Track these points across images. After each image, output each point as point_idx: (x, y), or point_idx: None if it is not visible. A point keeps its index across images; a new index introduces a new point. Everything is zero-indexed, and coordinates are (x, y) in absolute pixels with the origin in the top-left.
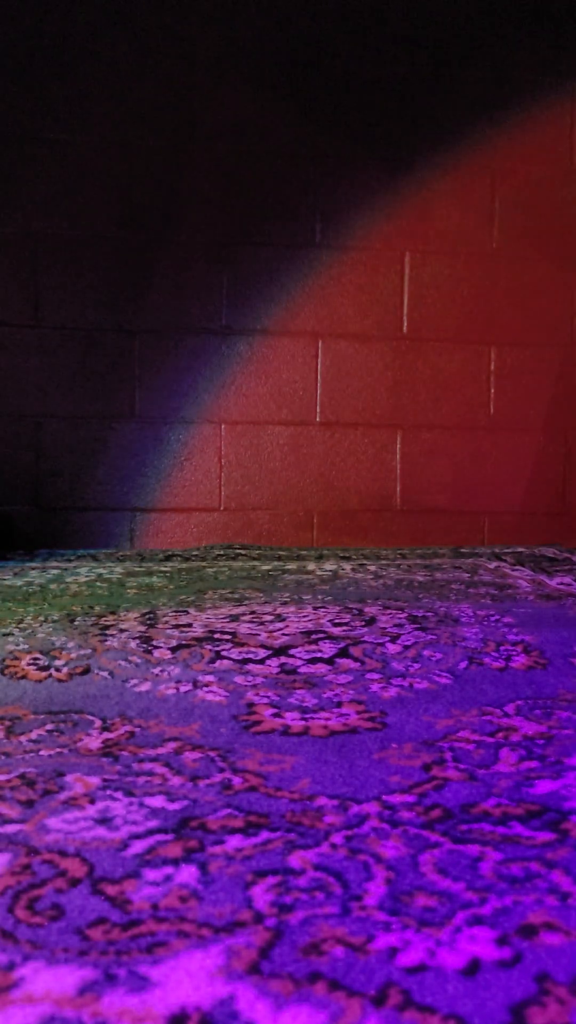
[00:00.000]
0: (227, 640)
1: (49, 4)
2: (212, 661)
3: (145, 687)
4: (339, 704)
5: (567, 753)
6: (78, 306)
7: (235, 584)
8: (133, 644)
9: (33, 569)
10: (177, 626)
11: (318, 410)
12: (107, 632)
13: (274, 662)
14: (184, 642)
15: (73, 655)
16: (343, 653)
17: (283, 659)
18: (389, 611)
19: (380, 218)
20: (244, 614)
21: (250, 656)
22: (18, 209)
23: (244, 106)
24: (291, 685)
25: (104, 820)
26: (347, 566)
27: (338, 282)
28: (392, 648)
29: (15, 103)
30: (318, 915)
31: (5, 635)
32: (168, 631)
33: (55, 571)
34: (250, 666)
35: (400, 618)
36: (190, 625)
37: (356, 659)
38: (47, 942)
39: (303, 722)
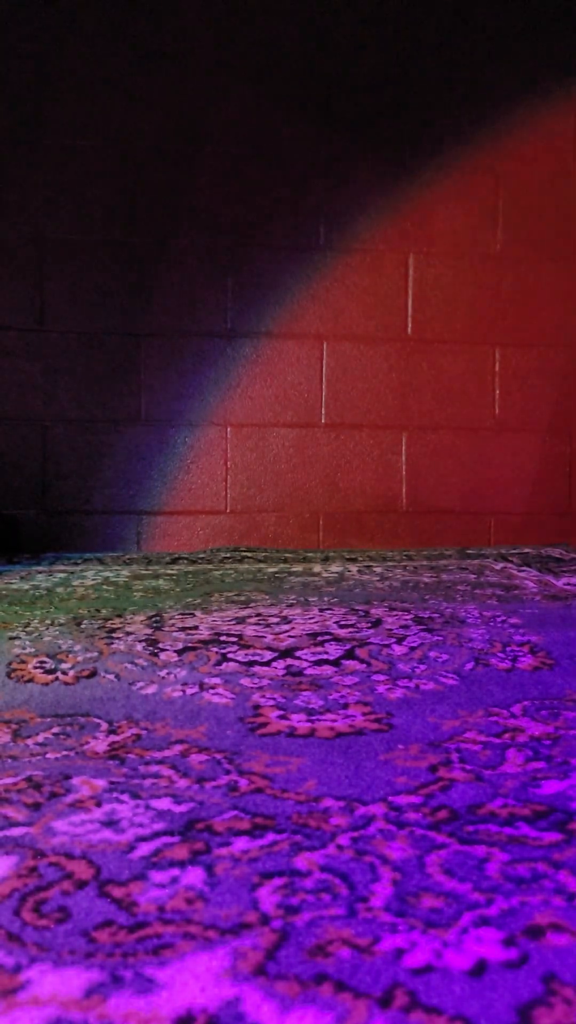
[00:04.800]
0: (233, 642)
1: (51, 9)
2: (218, 663)
3: (151, 690)
4: (345, 706)
5: (574, 753)
6: (83, 310)
7: (241, 586)
8: (139, 647)
9: (40, 572)
10: (183, 629)
11: (323, 412)
12: (113, 635)
13: (280, 664)
14: (190, 645)
15: (79, 658)
16: (349, 655)
17: (289, 661)
18: (395, 612)
19: (383, 220)
20: (250, 616)
21: (256, 658)
22: (23, 213)
23: (247, 108)
24: (297, 687)
25: (110, 822)
26: (353, 568)
27: (342, 284)
28: (398, 649)
29: (20, 108)
30: (324, 917)
31: (12, 638)
32: (174, 634)
33: (61, 574)
34: (256, 668)
35: (406, 619)
36: (196, 628)
37: (362, 661)
38: (53, 944)
39: (309, 724)
